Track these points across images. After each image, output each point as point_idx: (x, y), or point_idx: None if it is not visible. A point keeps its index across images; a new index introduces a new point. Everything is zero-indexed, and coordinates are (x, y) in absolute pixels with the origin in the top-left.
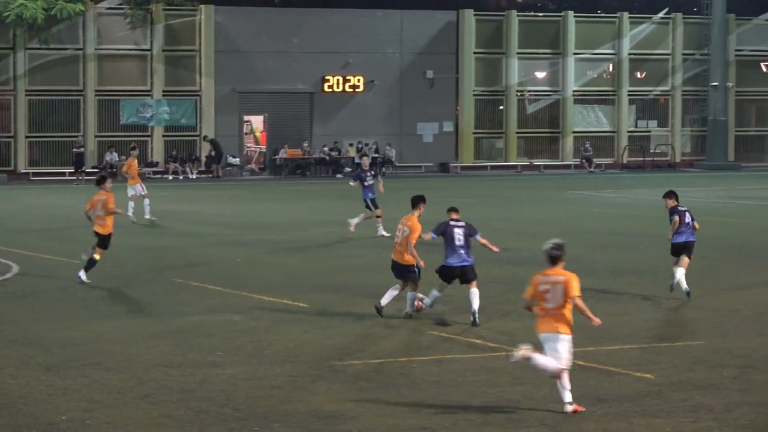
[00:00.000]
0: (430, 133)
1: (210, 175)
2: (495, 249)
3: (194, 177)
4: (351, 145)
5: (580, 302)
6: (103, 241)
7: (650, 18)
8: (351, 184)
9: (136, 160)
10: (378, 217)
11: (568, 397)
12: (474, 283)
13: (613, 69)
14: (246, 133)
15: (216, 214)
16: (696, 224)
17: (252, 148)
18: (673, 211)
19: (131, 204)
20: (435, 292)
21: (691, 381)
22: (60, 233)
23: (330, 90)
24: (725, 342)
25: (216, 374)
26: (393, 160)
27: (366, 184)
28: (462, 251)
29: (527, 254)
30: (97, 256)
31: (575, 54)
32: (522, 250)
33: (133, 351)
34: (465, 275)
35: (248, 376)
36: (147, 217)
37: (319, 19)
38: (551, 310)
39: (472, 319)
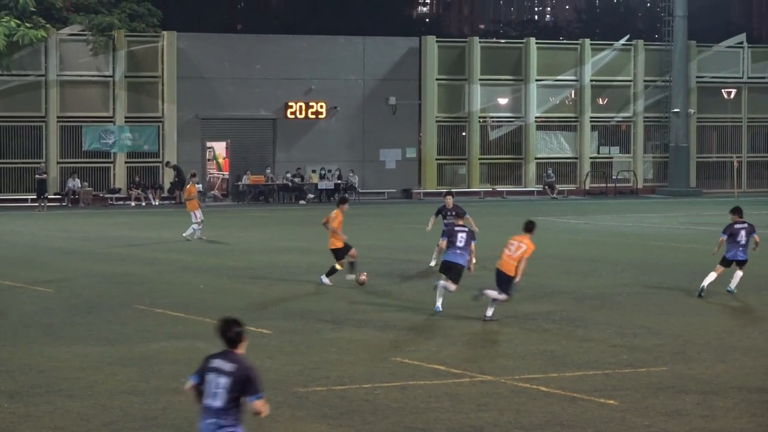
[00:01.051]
0: (392, 159)
1: (173, 201)
2: (471, 267)
3: (157, 203)
4: (314, 171)
5: None
6: (336, 254)
7: (612, 45)
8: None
9: (195, 187)
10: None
11: None
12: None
13: (575, 95)
14: (209, 160)
15: (178, 240)
16: (756, 237)
17: (215, 175)
18: (725, 229)
19: (195, 227)
20: (441, 282)
21: (654, 407)
22: (22, 259)
23: (293, 116)
24: (688, 368)
25: (179, 401)
26: (356, 186)
27: (446, 221)
28: (458, 251)
29: (490, 281)
30: (338, 267)
31: (537, 80)
32: (485, 278)
33: (96, 378)
34: (449, 270)
35: None
36: (198, 236)
37: (282, 45)
38: None
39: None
